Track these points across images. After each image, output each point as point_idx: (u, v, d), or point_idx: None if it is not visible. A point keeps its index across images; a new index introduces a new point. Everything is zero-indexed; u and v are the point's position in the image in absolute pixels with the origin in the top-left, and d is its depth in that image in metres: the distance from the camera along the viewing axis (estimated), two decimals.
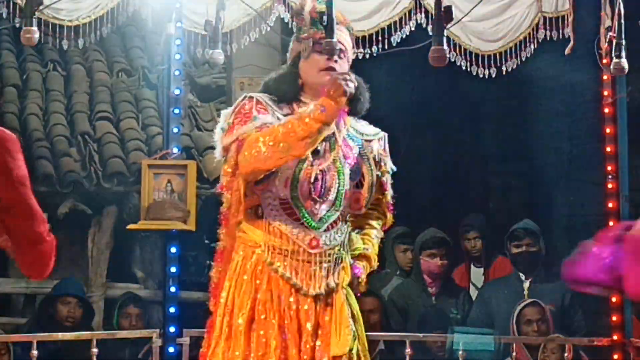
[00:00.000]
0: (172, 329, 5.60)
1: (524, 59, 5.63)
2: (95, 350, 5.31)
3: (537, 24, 5.61)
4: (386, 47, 5.52)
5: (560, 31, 5.57)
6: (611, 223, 5.64)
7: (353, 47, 3.76)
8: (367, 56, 5.39)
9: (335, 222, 3.60)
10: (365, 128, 3.74)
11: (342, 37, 3.60)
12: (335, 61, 3.57)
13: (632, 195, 5.83)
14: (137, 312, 6.52)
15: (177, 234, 5.77)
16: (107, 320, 7.26)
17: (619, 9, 4.44)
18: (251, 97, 3.59)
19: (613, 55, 4.47)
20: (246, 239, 3.59)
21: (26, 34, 4.41)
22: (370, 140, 3.72)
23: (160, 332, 5.62)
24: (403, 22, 5.54)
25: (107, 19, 5.46)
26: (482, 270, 6.68)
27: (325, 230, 3.57)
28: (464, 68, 5.60)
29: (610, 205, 5.66)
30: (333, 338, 3.49)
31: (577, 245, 2.63)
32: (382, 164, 3.73)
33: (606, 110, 5.71)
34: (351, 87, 3.42)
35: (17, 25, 5.10)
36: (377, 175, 3.70)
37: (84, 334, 5.68)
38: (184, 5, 5.60)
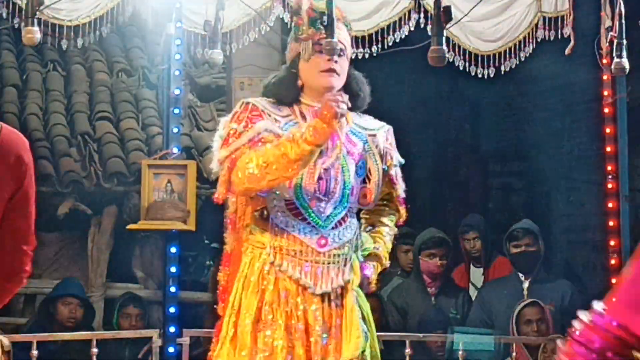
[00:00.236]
0: (172, 329, 5.61)
1: (523, 59, 5.63)
2: (95, 350, 5.31)
3: (536, 24, 5.61)
4: (386, 47, 5.52)
5: (560, 31, 5.57)
6: (611, 223, 5.64)
7: (352, 46, 3.75)
8: (367, 56, 5.40)
9: (343, 219, 3.58)
10: (369, 123, 3.72)
11: (341, 35, 3.59)
12: (336, 61, 3.56)
13: (632, 195, 5.83)
14: (137, 312, 6.52)
15: (177, 234, 5.78)
16: (107, 320, 7.26)
17: (620, 9, 4.44)
18: (247, 103, 3.58)
19: (614, 55, 4.47)
20: (253, 240, 3.58)
21: (28, 34, 4.42)
22: (374, 135, 3.69)
23: (160, 332, 5.62)
24: (402, 22, 5.54)
25: (106, 19, 5.46)
26: (481, 270, 6.68)
27: (333, 228, 3.55)
28: (463, 68, 5.60)
29: (610, 205, 5.66)
30: (344, 341, 3.48)
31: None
32: (389, 157, 3.69)
33: (606, 110, 5.72)
34: (343, 108, 3.38)
35: (17, 25, 5.11)
36: (384, 169, 3.68)
37: (84, 334, 5.69)
38: (184, 5, 5.60)
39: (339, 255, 3.55)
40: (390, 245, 3.78)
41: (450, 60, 5.43)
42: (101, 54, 9.08)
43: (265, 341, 3.46)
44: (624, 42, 4.43)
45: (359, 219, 3.75)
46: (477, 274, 6.69)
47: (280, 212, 3.55)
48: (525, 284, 6.21)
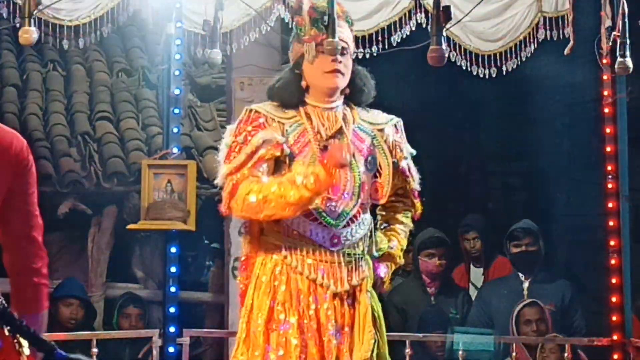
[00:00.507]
0: (172, 329, 5.61)
1: (524, 59, 5.63)
2: (95, 350, 5.32)
3: (537, 24, 5.61)
4: (386, 47, 5.52)
5: (560, 31, 5.57)
6: (611, 223, 5.64)
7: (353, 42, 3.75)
8: (367, 56, 5.39)
9: (355, 216, 3.58)
10: (377, 117, 3.72)
11: (344, 34, 3.59)
12: (340, 61, 3.56)
13: (632, 195, 5.83)
14: (137, 312, 6.52)
15: (177, 234, 5.77)
16: (107, 320, 7.26)
17: (623, 8, 4.43)
18: (250, 111, 3.60)
19: (617, 54, 4.46)
20: (266, 242, 3.61)
21: (24, 34, 4.42)
22: (382, 129, 3.69)
23: (160, 332, 5.62)
24: (403, 22, 5.54)
25: (107, 19, 5.46)
26: (481, 270, 6.68)
27: (345, 226, 3.55)
28: (464, 68, 5.60)
29: (610, 205, 5.66)
30: (357, 341, 3.50)
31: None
32: (398, 150, 3.69)
33: (606, 110, 5.71)
34: (347, 159, 3.39)
35: (18, 25, 5.10)
36: (394, 162, 3.68)
37: (84, 334, 5.69)
38: (184, 5, 5.60)
39: (351, 255, 3.56)
40: (405, 242, 3.79)
41: (451, 60, 5.43)
42: (101, 54, 9.07)
43: (278, 340, 3.47)
44: (628, 41, 4.41)
45: (374, 215, 3.75)
46: (477, 274, 6.69)
47: None
48: (525, 284, 6.21)
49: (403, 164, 3.71)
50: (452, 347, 5.76)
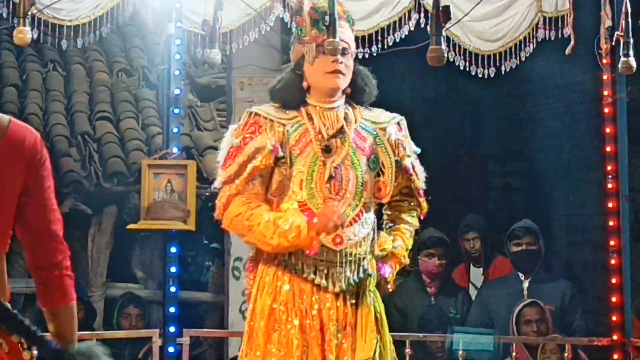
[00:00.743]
0: (172, 329, 5.61)
1: (523, 59, 5.63)
2: None
3: (536, 24, 5.61)
4: (386, 47, 5.52)
5: (560, 31, 5.57)
6: (611, 223, 5.64)
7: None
8: (367, 56, 5.39)
9: (358, 215, 3.58)
10: (379, 116, 3.71)
11: (345, 34, 3.59)
12: (340, 62, 3.56)
13: (632, 195, 5.83)
14: (137, 312, 6.52)
15: (177, 234, 5.78)
16: (107, 320, 7.26)
17: (626, 8, 4.42)
18: (250, 114, 3.60)
19: (621, 53, 4.46)
20: None
21: (19, 34, 4.42)
22: (385, 128, 3.69)
23: (160, 332, 5.62)
24: (402, 22, 5.54)
25: (106, 18, 5.46)
26: (481, 270, 6.67)
27: (347, 226, 3.54)
28: (463, 68, 5.60)
29: (610, 205, 5.65)
30: (359, 341, 3.50)
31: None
32: (401, 148, 3.69)
33: (606, 110, 5.71)
34: (336, 227, 3.42)
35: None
36: (396, 161, 3.68)
37: (84, 334, 5.67)
38: (184, 5, 5.60)
39: (354, 254, 3.56)
40: (410, 242, 3.78)
41: (451, 60, 5.43)
42: (101, 54, 9.08)
43: (280, 340, 3.48)
44: (631, 40, 4.41)
45: (380, 214, 3.75)
46: (477, 274, 6.69)
47: None
48: (525, 284, 6.21)
49: (406, 162, 3.70)
50: (452, 347, 5.77)
